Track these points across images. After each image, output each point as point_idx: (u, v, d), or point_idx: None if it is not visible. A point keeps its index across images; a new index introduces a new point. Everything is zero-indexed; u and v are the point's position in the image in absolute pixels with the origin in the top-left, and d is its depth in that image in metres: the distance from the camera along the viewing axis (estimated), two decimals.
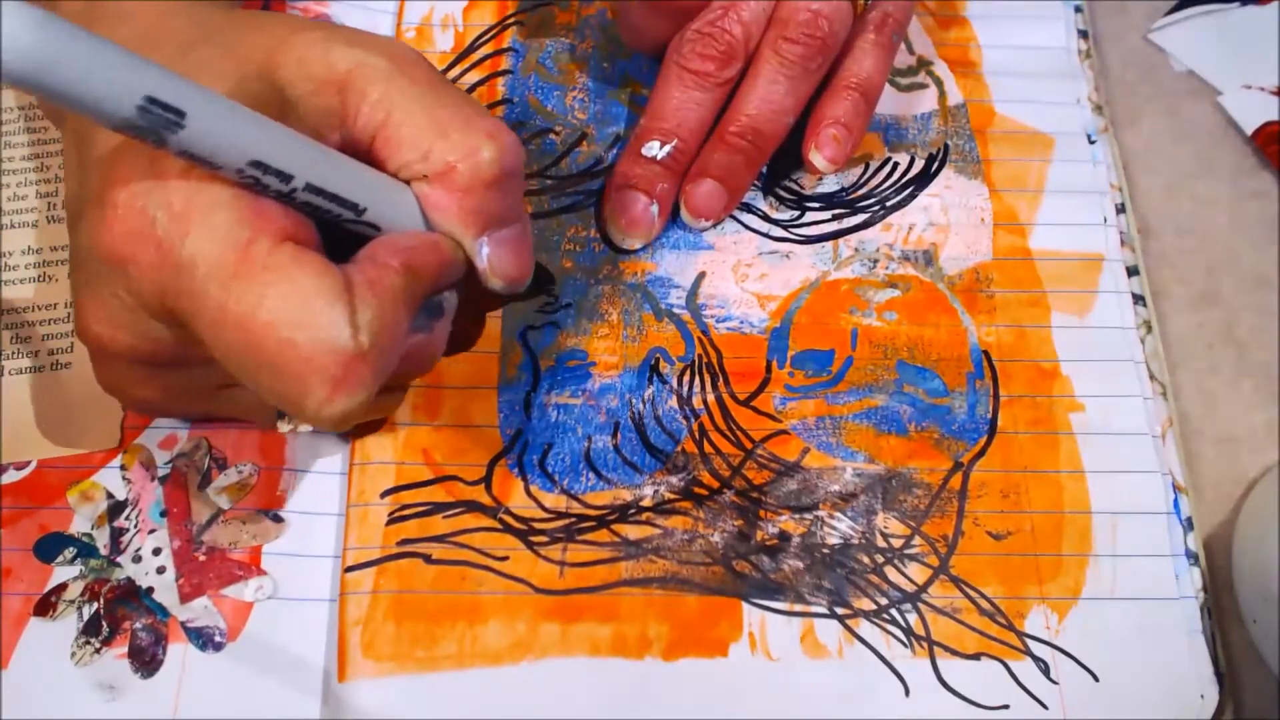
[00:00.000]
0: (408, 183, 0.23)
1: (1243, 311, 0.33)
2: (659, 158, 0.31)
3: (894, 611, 0.27)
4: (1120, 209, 0.33)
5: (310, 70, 0.22)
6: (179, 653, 0.26)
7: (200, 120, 0.18)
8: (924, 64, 0.36)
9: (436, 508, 0.28)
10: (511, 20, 0.35)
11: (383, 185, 0.22)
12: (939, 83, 0.35)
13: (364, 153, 0.23)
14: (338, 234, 0.22)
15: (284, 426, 0.27)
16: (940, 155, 0.34)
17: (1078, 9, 0.37)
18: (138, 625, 0.26)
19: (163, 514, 0.28)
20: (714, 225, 0.32)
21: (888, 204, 0.33)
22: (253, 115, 0.20)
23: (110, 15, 0.24)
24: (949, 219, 0.33)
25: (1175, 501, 0.29)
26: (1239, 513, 0.30)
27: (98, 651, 0.26)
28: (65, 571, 0.27)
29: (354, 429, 0.28)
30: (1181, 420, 0.31)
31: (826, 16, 0.30)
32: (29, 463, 0.28)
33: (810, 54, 0.30)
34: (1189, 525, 0.29)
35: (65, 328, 0.30)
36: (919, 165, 0.34)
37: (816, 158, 0.32)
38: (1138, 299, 0.32)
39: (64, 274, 0.31)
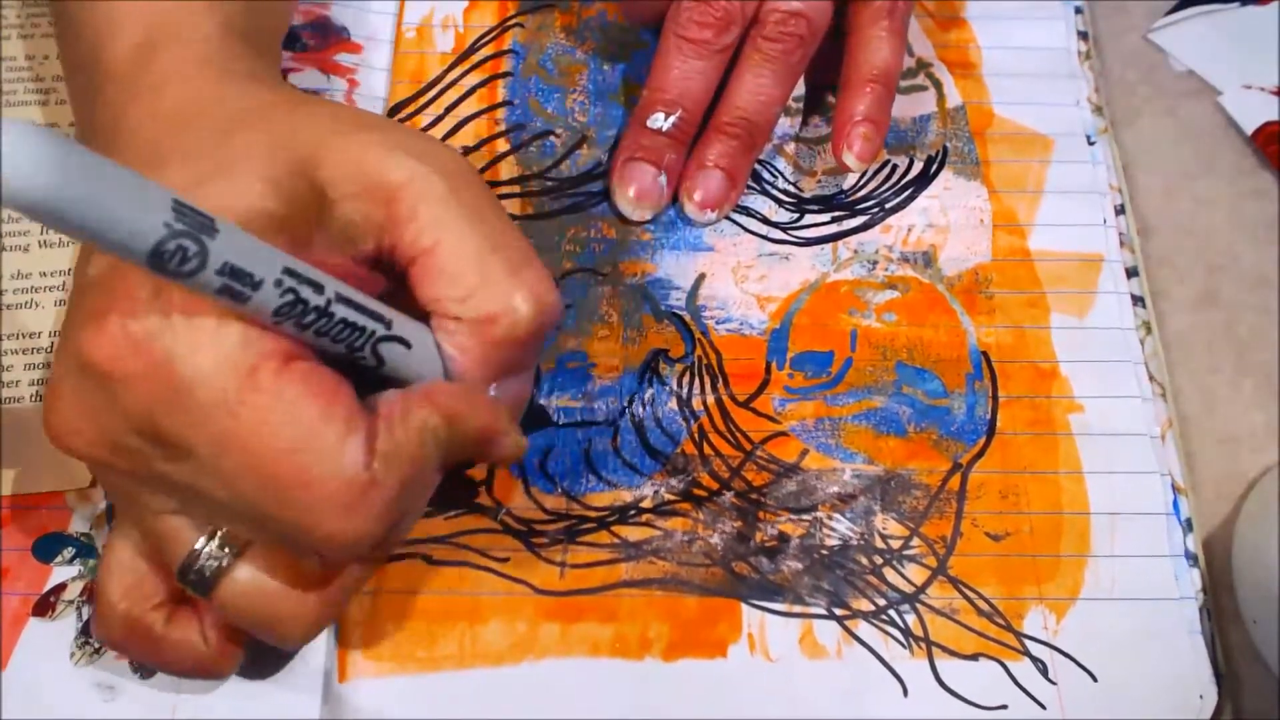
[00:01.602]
0: (429, 317, 0.22)
1: (1243, 311, 0.33)
2: (664, 129, 0.31)
3: (892, 612, 0.27)
4: (1120, 210, 0.33)
5: (358, 172, 0.21)
6: None
7: (224, 253, 0.17)
8: (923, 66, 0.36)
9: (437, 509, 0.28)
10: (512, 22, 0.35)
11: (400, 319, 0.21)
12: (938, 85, 0.35)
13: (398, 273, 0.22)
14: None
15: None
16: (939, 157, 0.34)
17: (1078, 10, 0.37)
18: None
19: None
20: (719, 218, 0.32)
21: (887, 206, 0.33)
22: (273, 251, 0.18)
23: (146, 89, 0.23)
24: (948, 220, 0.33)
25: (1175, 502, 0.29)
26: (1239, 513, 0.30)
27: (97, 652, 0.26)
28: (64, 571, 0.27)
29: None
30: (1181, 420, 0.31)
31: (805, 15, 0.31)
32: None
33: (790, 49, 0.31)
34: (1188, 526, 0.29)
35: (49, 357, 0.29)
36: (918, 167, 0.34)
37: (849, 158, 0.32)
38: (1137, 300, 0.32)
39: (50, 301, 0.30)
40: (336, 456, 0.19)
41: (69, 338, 0.20)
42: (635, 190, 0.31)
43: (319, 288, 0.19)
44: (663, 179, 0.31)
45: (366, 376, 0.21)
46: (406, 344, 0.21)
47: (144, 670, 0.26)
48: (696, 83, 0.31)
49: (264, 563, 0.22)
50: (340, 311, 0.19)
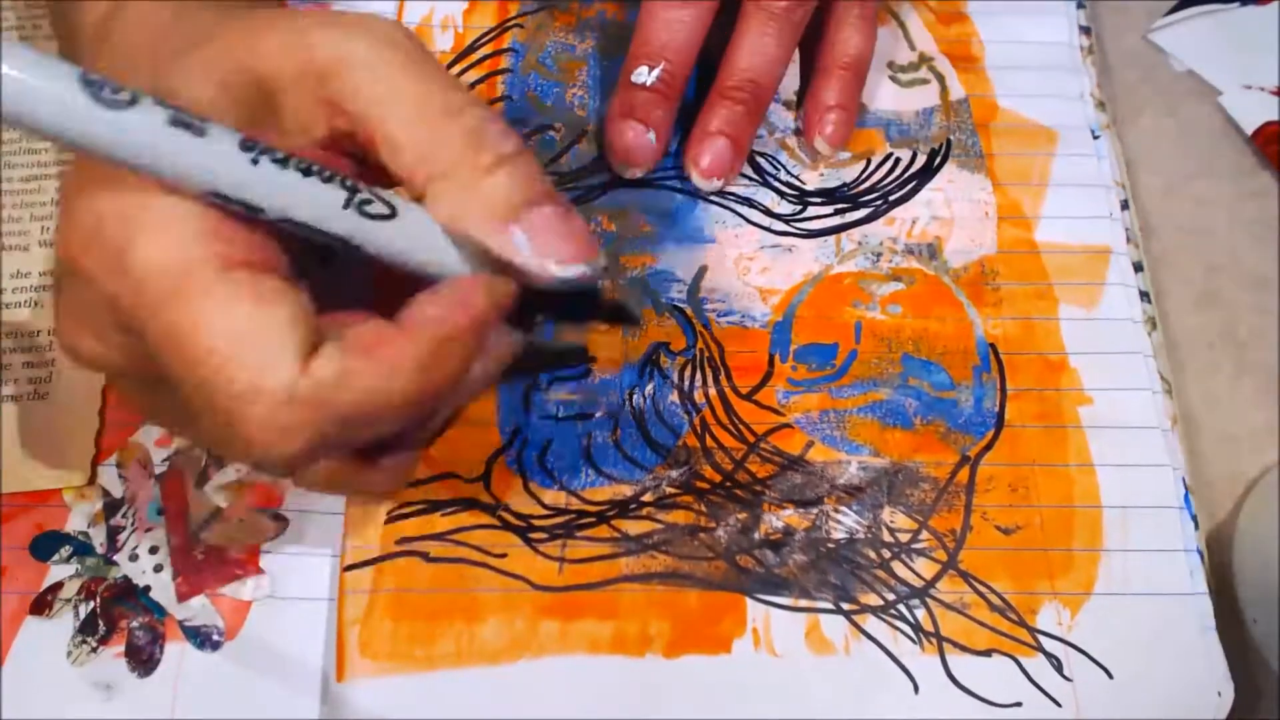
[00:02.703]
0: (422, 197, 0.21)
1: (1243, 311, 0.33)
2: (648, 83, 0.31)
3: (902, 607, 0.27)
4: (1124, 205, 0.33)
5: (291, 57, 0.20)
6: (176, 652, 0.26)
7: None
8: (925, 60, 0.35)
9: (435, 505, 0.28)
10: (511, 23, 0.35)
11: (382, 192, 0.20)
12: (941, 78, 0.35)
13: (370, 153, 0.21)
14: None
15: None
16: (943, 150, 0.34)
17: (1080, 5, 0.37)
18: (135, 624, 0.26)
19: (160, 512, 0.27)
20: (725, 185, 0.32)
21: (890, 198, 0.33)
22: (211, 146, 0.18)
23: (110, 40, 0.23)
24: (952, 213, 0.33)
25: (1186, 496, 0.28)
26: (1239, 512, 0.29)
27: (94, 650, 0.26)
28: (61, 570, 0.27)
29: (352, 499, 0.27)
30: (1183, 420, 0.31)
31: None
32: None
33: (792, 7, 0.31)
34: (1196, 523, 0.28)
35: (48, 356, 0.29)
36: (921, 160, 0.33)
37: (821, 144, 0.32)
38: (1143, 295, 0.31)
39: (51, 300, 0.30)
40: (265, 369, 0.18)
41: (55, 243, 0.21)
42: (621, 148, 0.31)
43: (271, 149, 0.18)
44: (651, 135, 0.31)
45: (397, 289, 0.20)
46: (388, 209, 0.20)
47: (142, 669, 0.26)
48: (679, 33, 0.30)
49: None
50: (293, 177, 0.19)
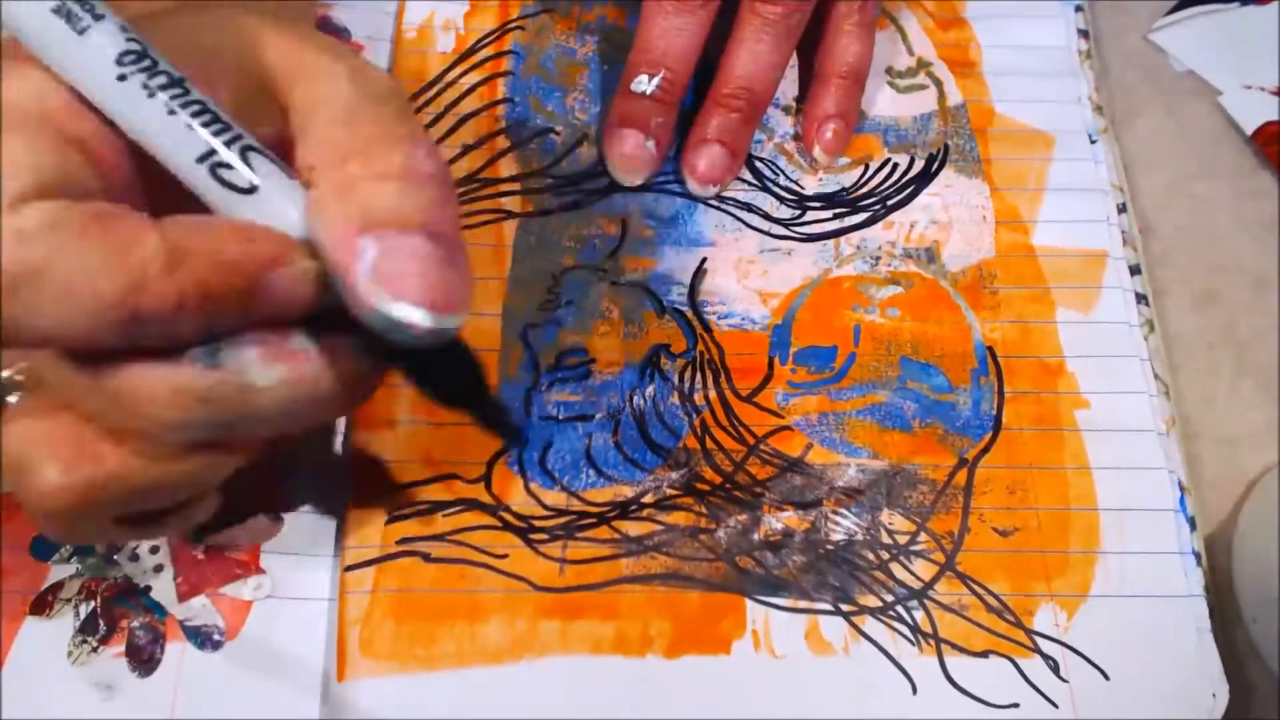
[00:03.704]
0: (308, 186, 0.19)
1: (1243, 311, 0.33)
2: (648, 92, 0.31)
3: (900, 608, 0.27)
4: (1121, 209, 0.33)
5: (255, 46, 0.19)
6: (177, 652, 0.26)
7: None
8: (923, 65, 0.36)
9: (436, 506, 0.28)
10: (513, 25, 0.35)
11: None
12: (938, 83, 0.35)
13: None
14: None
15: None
16: (940, 155, 0.34)
17: (1078, 8, 0.37)
18: (135, 624, 0.26)
19: None
20: (720, 191, 0.32)
21: (888, 203, 0.33)
22: None
23: None
24: (950, 217, 0.33)
25: (1181, 499, 0.29)
26: (1239, 513, 0.30)
27: (95, 650, 0.26)
28: (62, 570, 0.27)
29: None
30: (1182, 420, 0.31)
31: None
32: None
33: (788, 12, 0.31)
34: (1193, 525, 0.29)
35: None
36: (919, 165, 0.34)
37: (819, 153, 0.33)
38: (1140, 299, 0.32)
39: None
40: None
41: None
42: (620, 157, 0.31)
43: (170, 73, 0.17)
44: (650, 144, 0.31)
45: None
46: (247, 185, 0.18)
47: (142, 669, 0.26)
48: (679, 40, 0.31)
49: (35, 411, 0.19)
50: (155, 109, 0.17)
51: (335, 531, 0.27)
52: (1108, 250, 0.32)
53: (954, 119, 0.35)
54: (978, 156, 0.34)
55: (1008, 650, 0.27)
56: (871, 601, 0.27)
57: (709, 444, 0.29)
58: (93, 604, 0.26)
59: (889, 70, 0.35)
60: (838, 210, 0.33)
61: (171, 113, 0.18)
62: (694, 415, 0.29)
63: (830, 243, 0.32)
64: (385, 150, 0.18)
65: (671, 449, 0.29)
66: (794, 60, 0.35)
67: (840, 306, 0.31)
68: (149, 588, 0.27)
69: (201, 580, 0.27)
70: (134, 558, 0.27)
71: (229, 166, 0.18)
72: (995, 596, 0.27)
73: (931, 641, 0.26)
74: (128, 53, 0.18)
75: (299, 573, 0.27)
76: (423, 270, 0.17)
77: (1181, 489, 0.29)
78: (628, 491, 0.28)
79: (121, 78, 0.18)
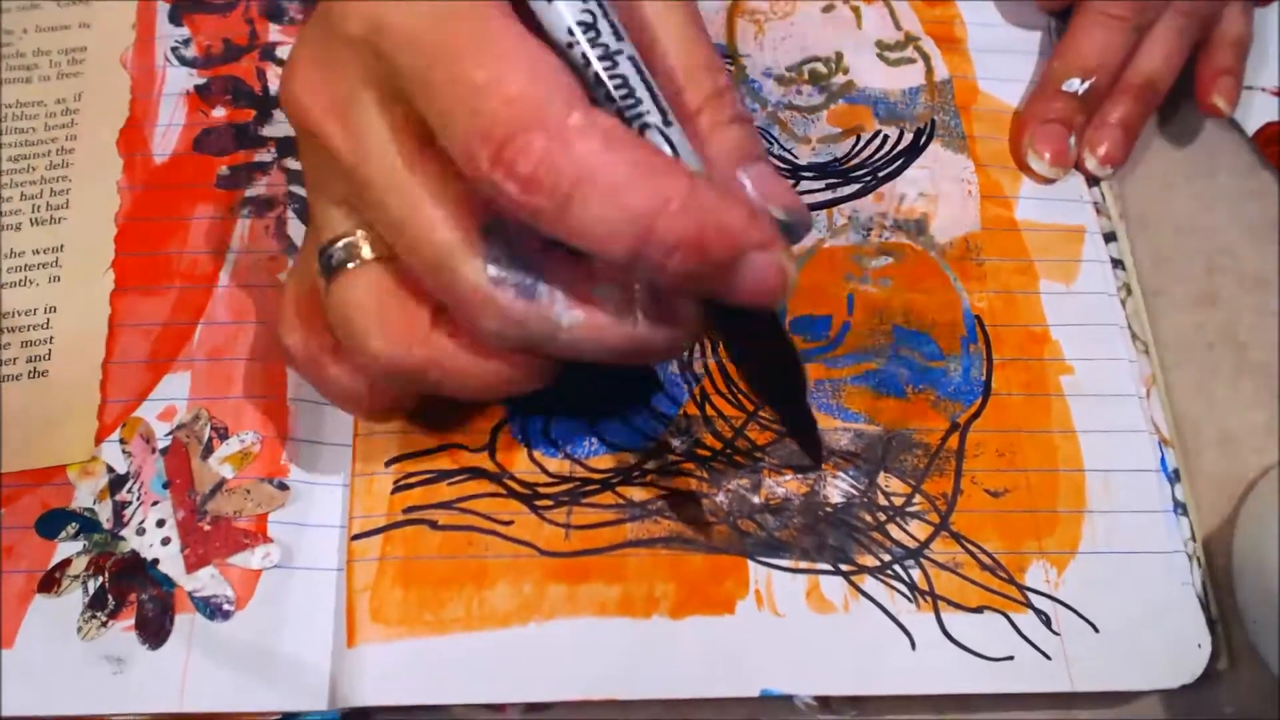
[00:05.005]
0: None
1: (1243, 311, 0.33)
2: (1080, 93, 0.34)
3: (897, 567, 0.28)
4: (1093, 181, 0.34)
5: None
6: (186, 623, 0.26)
7: None
8: (911, 39, 0.36)
9: (441, 475, 0.28)
10: None
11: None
12: (926, 58, 0.36)
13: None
14: None
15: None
16: (927, 130, 0.35)
17: None
18: (144, 597, 0.26)
19: (165, 485, 0.28)
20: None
21: (879, 174, 0.34)
22: None
23: None
24: (938, 190, 0.33)
25: (1162, 459, 0.30)
26: (1239, 513, 0.30)
27: (104, 625, 0.26)
28: (68, 547, 0.27)
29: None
30: (1181, 420, 0.31)
31: None
32: None
33: (1200, 20, 0.34)
34: (1175, 477, 0.29)
35: (44, 334, 0.29)
36: (908, 138, 0.34)
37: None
38: (1116, 264, 0.33)
39: (45, 278, 0.30)
40: (556, 114, 0.18)
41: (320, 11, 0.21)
42: (1051, 153, 0.33)
43: (619, 35, 0.19)
44: (1072, 140, 0.33)
45: None
46: (662, 119, 0.20)
47: (153, 641, 0.26)
48: (1115, 55, 0.34)
49: (388, 279, 0.22)
50: (626, 69, 0.20)
51: (342, 500, 0.28)
52: (1085, 226, 0.33)
53: (940, 94, 0.35)
54: (962, 133, 0.35)
55: (1001, 605, 0.27)
56: (870, 561, 0.28)
57: (709, 411, 0.29)
58: (100, 579, 0.26)
59: (879, 43, 0.36)
60: (830, 180, 0.33)
61: (599, 84, 0.20)
62: (694, 383, 0.30)
63: (824, 213, 0.33)
64: (724, 99, 0.23)
65: (672, 416, 0.29)
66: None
67: (835, 276, 0.32)
68: (156, 560, 0.27)
69: (209, 551, 0.27)
70: (140, 531, 0.27)
71: (647, 111, 0.20)
72: (988, 555, 0.28)
73: (928, 599, 0.27)
74: (580, 23, 0.19)
75: (307, 542, 0.27)
76: (778, 185, 0.23)
77: (1163, 446, 0.30)
78: (630, 458, 0.28)
79: (570, 45, 0.20)
